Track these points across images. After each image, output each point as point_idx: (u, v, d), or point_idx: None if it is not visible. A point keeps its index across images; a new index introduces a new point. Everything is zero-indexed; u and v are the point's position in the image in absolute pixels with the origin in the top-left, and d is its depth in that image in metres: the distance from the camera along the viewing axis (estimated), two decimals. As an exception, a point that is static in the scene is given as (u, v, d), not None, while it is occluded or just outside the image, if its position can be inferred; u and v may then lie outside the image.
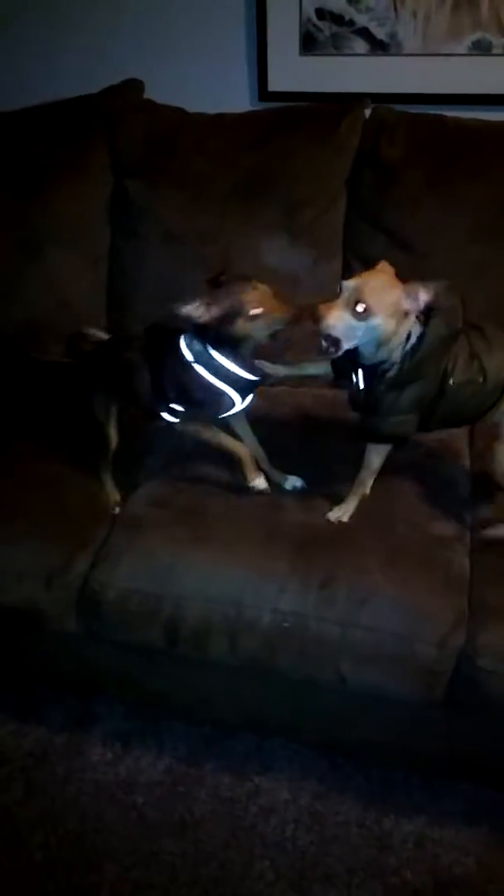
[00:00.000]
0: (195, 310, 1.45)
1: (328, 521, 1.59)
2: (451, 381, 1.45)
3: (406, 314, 1.38)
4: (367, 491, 1.60)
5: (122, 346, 1.66)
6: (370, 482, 1.59)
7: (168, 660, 1.67)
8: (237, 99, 2.26)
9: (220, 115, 2.12)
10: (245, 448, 1.63)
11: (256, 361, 1.58)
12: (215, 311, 1.45)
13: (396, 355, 1.42)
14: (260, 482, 1.62)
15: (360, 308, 1.35)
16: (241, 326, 1.45)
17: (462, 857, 1.60)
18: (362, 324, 1.36)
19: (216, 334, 1.48)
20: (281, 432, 1.82)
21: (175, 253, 2.05)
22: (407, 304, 1.37)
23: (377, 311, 1.35)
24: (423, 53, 2.07)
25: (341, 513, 1.59)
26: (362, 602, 1.47)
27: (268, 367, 1.69)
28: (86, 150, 2.16)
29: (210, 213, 2.02)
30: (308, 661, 1.51)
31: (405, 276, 1.90)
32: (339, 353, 1.40)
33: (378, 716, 1.62)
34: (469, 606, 1.47)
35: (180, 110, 2.16)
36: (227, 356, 1.51)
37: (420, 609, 1.46)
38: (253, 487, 1.62)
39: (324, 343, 1.39)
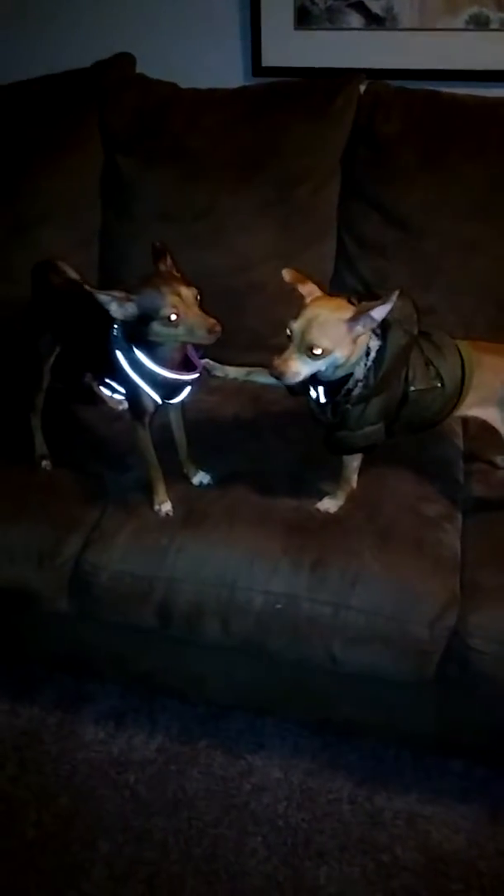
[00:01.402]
0: (109, 303, 1.38)
1: (317, 510, 1.58)
2: (412, 388, 1.45)
3: (360, 335, 1.36)
4: (354, 485, 1.59)
5: (91, 298, 1.58)
6: (354, 477, 1.59)
7: (161, 640, 1.67)
8: (230, 74, 2.22)
9: (213, 91, 2.09)
10: (158, 471, 1.60)
11: (204, 361, 1.55)
12: (131, 310, 1.39)
13: (359, 372, 1.40)
14: (165, 507, 1.60)
15: (316, 351, 1.33)
16: (155, 329, 1.39)
17: (453, 834, 1.61)
18: (320, 361, 1.34)
19: (134, 331, 1.43)
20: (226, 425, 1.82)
21: (168, 231, 2.01)
22: (360, 328, 1.35)
23: (332, 348, 1.33)
24: (419, 28, 2.03)
25: (330, 504, 1.59)
26: (353, 583, 1.47)
27: (217, 368, 1.69)
28: (76, 125, 2.12)
29: (203, 190, 1.99)
30: (300, 642, 1.52)
31: (400, 255, 1.92)
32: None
33: (370, 695, 1.63)
34: (460, 586, 1.48)
35: (173, 85, 2.12)
36: (145, 354, 1.46)
37: (411, 589, 1.46)
38: (158, 510, 1.60)
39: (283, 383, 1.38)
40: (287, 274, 1.42)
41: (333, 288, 1.91)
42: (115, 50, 2.17)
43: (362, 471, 1.60)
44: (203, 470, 1.68)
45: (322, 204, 1.98)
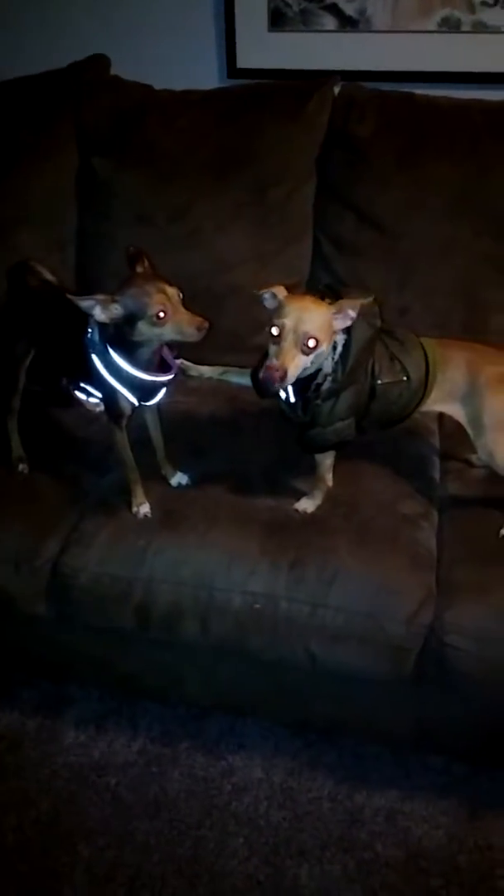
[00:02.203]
0: (92, 308, 1.37)
1: (295, 510, 1.59)
2: (379, 382, 1.46)
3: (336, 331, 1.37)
4: (330, 484, 1.60)
5: (66, 301, 1.57)
6: (329, 475, 1.60)
7: (140, 642, 1.67)
8: (206, 76, 2.22)
9: (188, 92, 2.09)
10: (136, 473, 1.60)
11: (179, 362, 1.55)
12: (117, 312, 1.37)
13: (327, 366, 1.41)
14: (143, 508, 1.60)
15: (311, 344, 1.32)
16: (141, 329, 1.38)
17: (432, 830, 1.63)
18: (312, 356, 1.35)
19: (115, 333, 1.43)
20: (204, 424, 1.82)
21: (144, 233, 2.01)
22: (338, 324, 1.36)
23: (322, 341, 1.34)
24: (393, 30, 2.05)
25: (307, 504, 1.59)
26: (331, 582, 1.48)
27: (192, 368, 1.68)
28: (52, 127, 2.11)
29: (179, 191, 2.00)
30: (279, 642, 1.52)
31: (375, 255, 1.94)
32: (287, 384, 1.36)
33: (349, 693, 1.64)
34: (437, 584, 1.49)
35: (147, 87, 2.12)
36: (122, 356, 1.45)
37: (388, 587, 1.47)
38: (136, 512, 1.60)
39: (273, 385, 1.34)
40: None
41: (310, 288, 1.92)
42: (90, 51, 2.17)
43: (339, 470, 1.61)
44: (181, 471, 1.68)
45: (298, 205, 1.99)
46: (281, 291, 1.40)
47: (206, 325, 1.36)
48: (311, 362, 1.36)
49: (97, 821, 1.66)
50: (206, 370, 1.97)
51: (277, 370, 1.32)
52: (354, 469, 1.65)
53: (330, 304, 1.37)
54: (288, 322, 1.33)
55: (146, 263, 1.44)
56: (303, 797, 1.69)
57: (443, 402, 1.55)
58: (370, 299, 1.35)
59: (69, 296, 1.40)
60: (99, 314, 1.38)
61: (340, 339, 1.40)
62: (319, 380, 1.42)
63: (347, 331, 1.40)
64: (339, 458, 1.59)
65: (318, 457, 1.56)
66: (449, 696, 1.55)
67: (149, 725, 1.83)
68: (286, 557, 1.51)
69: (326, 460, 1.57)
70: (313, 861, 1.59)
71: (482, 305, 1.90)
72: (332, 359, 1.41)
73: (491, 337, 1.84)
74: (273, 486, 1.64)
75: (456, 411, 1.55)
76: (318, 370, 1.41)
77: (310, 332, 1.32)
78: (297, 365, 1.33)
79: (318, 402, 1.44)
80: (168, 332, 1.38)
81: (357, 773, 1.73)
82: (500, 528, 1.53)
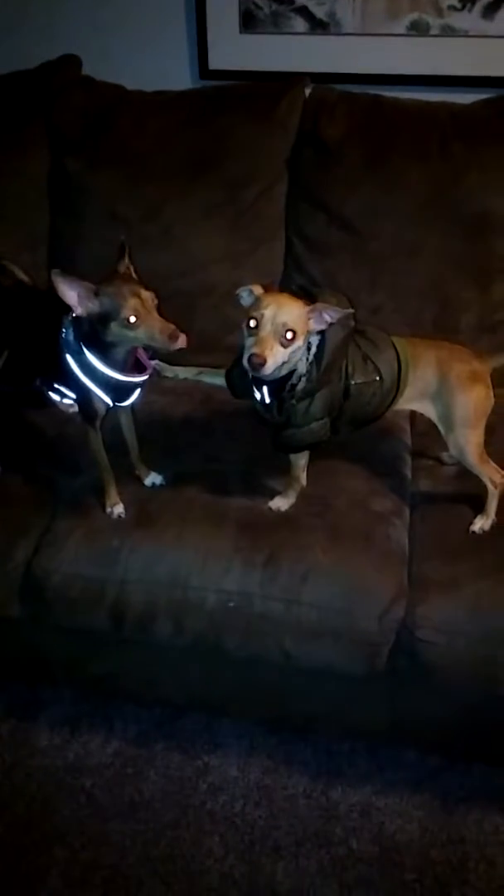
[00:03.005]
0: (72, 296, 1.36)
1: (269, 509, 1.60)
2: (353, 382, 1.48)
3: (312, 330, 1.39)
4: (304, 483, 1.61)
5: (39, 301, 1.55)
6: (303, 475, 1.61)
7: (114, 643, 1.66)
8: (178, 77, 2.23)
9: (160, 93, 2.10)
10: (110, 473, 1.60)
11: (154, 363, 1.55)
12: (93, 307, 1.37)
13: (302, 367, 1.42)
14: (117, 509, 1.60)
15: (289, 335, 1.34)
16: (114, 330, 1.37)
17: (406, 824, 1.64)
18: (288, 350, 1.36)
19: (89, 332, 1.42)
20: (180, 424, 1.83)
21: (116, 233, 1.99)
22: (313, 325, 1.37)
23: (299, 335, 1.36)
24: (362, 33, 2.07)
25: (281, 503, 1.60)
26: (304, 579, 1.49)
27: (167, 369, 1.67)
28: (23, 127, 2.11)
29: (151, 192, 2.00)
30: (253, 639, 1.53)
31: (346, 255, 1.96)
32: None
33: (323, 690, 1.65)
34: (408, 579, 1.50)
35: (119, 87, 2.13)
36: (97, 356, 1.44)
37: (360, 584, 1.48)
38: (109, 512, 1.60)
39: (254, 371, 1.36)
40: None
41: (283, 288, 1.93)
42: (61, 52, 2.16)
43: (313, 469, 1.62)
44: (154, 471, 1.68)
45: (270, 206, 2.00)
46: (257, 289, 1.41)
47: (179, 335, 1.35)
48: (289, 357, 1.37)
49: (72, 823, 1.65)
50: (181, 371, 1.97)
51: (257, 358, 1.32)
52: (328, 467, 1.67)
53: (306, 304, 1.39)
54: (266, 313, 1.34)
55: (126, 262, 1.44)
56: (278, 794, 1.70)
57: (415, 400, 1.57)
58: (350, 311, 1.37)
59: (54, 271, 1.37)
60: (76, 305, 1.37)
61: (315, 339, 1.41)
62: (294, 380, 1.43)
63: (321, 332, 1.41)
64: (313, 457, 1.60)
65: (293, 457, 1.57)
66: (422, 690, 1.56)
67: (124, 726, 1.82)
68: (260, 555, 1.52)
69: (300, 460, 1.58)
70: (289, 857, 1.59)
71: (452, 305, 1.92)
72: (307, 359, 1.42)
73: (462, 335, 1.87)
74: (247, 486, 1.65)
75: (427, 409, 1.57)
76: (293, 371, 1.42)
77: (288, 324, 1.33)
78: (275, 354, 1.34)
79: (293, 402, 1.45)
80: (140, 337, 1.38)
81: (332, 768, 1.74)
82: (470, 524, 1.56)
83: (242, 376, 1.49)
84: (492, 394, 1.54)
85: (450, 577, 1.49)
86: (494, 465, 1.55)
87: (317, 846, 1.61)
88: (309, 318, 1.37)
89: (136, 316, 1.35)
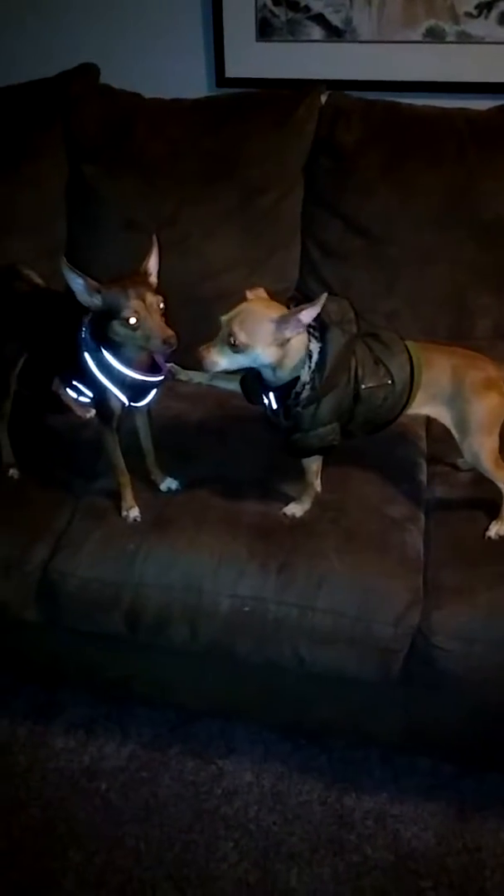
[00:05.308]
0: (77, 286, 1.39)
1: (284, 515, 1.60)
2: (363, 386, 1.48)
3: (288, 339, 1.38)
4: (319, 489, 1.61)
5: (57, 302, 1.57)
6: (317, 481, 1.61)
7: (130, 647, 1.67)
8: (195, 85, 2.24)
9: (177, 101, 2.11)
10: (126, 477, 1.61)
11: (170, 365, 1.57)
12: (96, 301, 1.39)
13: (305, 375, 1.43)
14: (133, 513, 1.61)
15: (232, 341, 1.36)
16: (115, 328, 1.40)
17: (421, 832, 1.63)
18: (241, 355, 1.38)
19: (98, 329, 1.44)
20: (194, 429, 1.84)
21: (134, 239, 2.02)
22: (287, 332, 1.37)
23: (252, 343, 1.36)
24: (378, 40, 2.07)
25: (296, 509, 1.60)
26: (319, 585, 1.49)
27: (181, 372, 1.69)
28: (41, 135, 2.12)
29: (167, 198, 2.01)
30: (268, 645, 1.53)
31: (362, 262, 1.96)
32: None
33: (337, 696, 1.65)
34: (424, 586, 1.50)
35: (137, 95, 2.14)
36: (112, 355, 1.46)
37: (376, 589, 1.48)
38: (125, 517, 1.61)
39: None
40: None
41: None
42: (80, 61, 2.18)
43: (328, 474, 1.63)
44: (170, 476, 1.68)
45: (286, 212, 2.01)
46: (259, 293, 1.43)
47: (174, 341, 1.38)
48: (248, 363, 1.39)
49: (88, 826, 1.66)
50: (196, 375, 1.98)
51: (197, 354, 1.39)
52: (343, 473, 1.67)
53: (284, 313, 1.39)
54: (224, 318, 1.38)
55: (149, 263, 1.45)
56: (292, 800, 1.70)
57: (428, 405, 1.57)
58: (323, 298, 1.36)
59: (64, 263, 1.40)
60: (81, 294, 1.40)
61: (315, 347, 1.42)
62: (298, 388, 1.44)
63: (323, 340, 1.42)
64: (328, 463, 1.61)
65: (305, 462, 1.58)
66: (437, 697, 1.56)
67: (139, 730, 1.83)
68: (275, 561, 1.52)
69: (313, 465, 1.58)
70: (303, 864, 1.59)
71: (468, 310, 1.92)
72: (309, 367, 1.43)
73: (478, 341, 1.87)
74: (261, 491, 1.66)
75: (442, 414, 1.57)
76: (297, 379, 1.43)
77: (233, 331, 1.36)
78: (213, 358, 1.38)
79: (299, 409, 1.46)
80: (138, 338, 1.40)
81: (346, 775, 1.73)
82: (486, 530, 1.55)
83: (254, 381, 1.50)
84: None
85: (466, 584, 1.48)
86: None
87: (331, 853, 1.61)
88: (280, 327, 1.36)
89: (135, 317, 1.37)
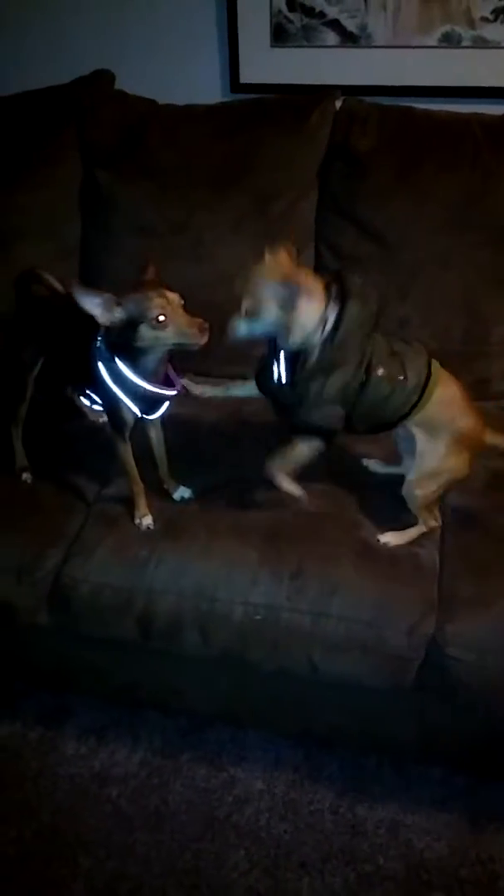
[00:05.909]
0: (95, 307, 1.38)
1: (285, 508, 1.58)
2: (374, 373, 1.45)
3: (293, 304, 1.39)
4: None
5: (74, 310, 1.58)
6: (288, 468, 1.54)
7: (141, 653, 1.67)
8: (209, 91, 2.25)
9: (191, 107, 2.11)
10: (140, 485, 1.61)
11: (183, 381, 1.57)
12: (118, 315, 1.39)
13: (316, 339, 1.42)
14: (146, 520, 1.60)
15: (247, 312, 1.39)
16: (143, 333, 1.39)
17: (434, 842, 1.62)
18: (253, 321, 1.41)
19: (119, 341, 1.44)
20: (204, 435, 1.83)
21: (146, 244, 2.03)
22: (290, 296, 1.37)
23: (257, 309, 1.39)
24: (393, 46, 2.07)
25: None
26: (332, 592, 1.48)
27: (193, 387, 1.70)
28: (56, 140, 2.13)
29: (181, 204, 2.02)
30: (280, 652, 1.52)
31: (376, 267, 1.95)
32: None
33: (350, 704, 1.64)
34: (438, 595, 1.49)
35: (151, 101, 2.15)
36: (128, 366, 1.46)
37: (390, 598, 1.47)
38: (139, 524, 1.60)
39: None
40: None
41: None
42: (95, 67, 2.19)
43: (342, 481, 1.62)
44: (183, 484, 1.68)
45: (299, 217, 2.00)
46: (282, 256, 1.44)
47: (207, 326, 1.39)
48: (263, 329, 1.41)
49: (98, 832, 1.66)
50: (209, 389, 1.95)
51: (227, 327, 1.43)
52: (358, 481, 1.66)
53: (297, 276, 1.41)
54: (237, 289, 1.42)
55: (152, 271, 1.46)
56: (304, 809, 1.69)
57: (418, 426, 1.53)
58: (342, 270, 1.39)
59: (75, 284, 1.41)
60: (100, 315, 1.39)
61: (332, 315, 1.41)
62: (308, 351, 1.43)
63: (342, 310, 1.41)
64: (341, 470, 1.59)
65: (298, 448, 1.52)
66: (450, 707, 1.54)
67: (150, 736, 1.83)
68: (287, 568, 1.51)
69: (301, 453, 1.52)
70: (314, 873, 1.58)
71: (482, 317, 1.91)
72: (322, 335, 1.42)
73: (492, 348, 1.86)
74: (274, 498, 1.64)
75: (420, 437, 1.53)
76: (306, 345, 1.43)
77: (243, 300, 1.40)
78: (234, 323, 1.42)
79: (306, 378, 1.44)
80: (169, 336, 1.40)
81: (358, 784, 1.72)
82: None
83: (269, 354, 1.50)
84: (469, 466, 1.53)
85: (480, 594, 1.47)
86: (436, 513, 1.57)
87: (343, 863, 1.59)
88: (281, 292, 1.37)
89: (163, 314, 1.37)
